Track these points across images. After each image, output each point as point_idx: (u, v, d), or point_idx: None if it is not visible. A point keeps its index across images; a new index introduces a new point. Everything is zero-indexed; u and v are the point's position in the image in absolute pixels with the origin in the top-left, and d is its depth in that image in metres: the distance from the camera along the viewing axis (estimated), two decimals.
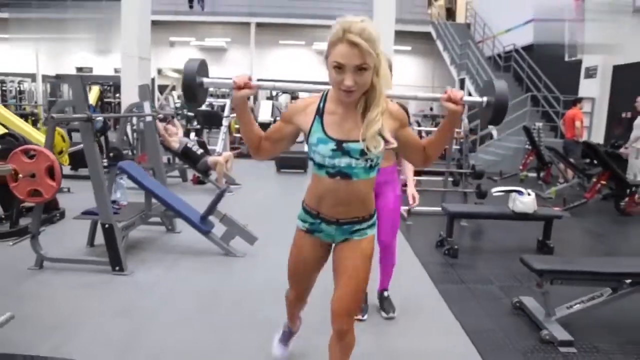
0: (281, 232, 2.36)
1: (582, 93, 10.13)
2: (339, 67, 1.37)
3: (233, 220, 3.69)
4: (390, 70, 2.51)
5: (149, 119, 4.17)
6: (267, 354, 2.20)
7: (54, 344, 2.27)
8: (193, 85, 1.52)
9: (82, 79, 3.20)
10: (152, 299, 2.94)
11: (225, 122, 9.04)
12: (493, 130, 11.45)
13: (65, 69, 19.31)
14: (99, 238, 3.83)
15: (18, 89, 17.49)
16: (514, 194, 3.94)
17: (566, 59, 10.86)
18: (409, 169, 2.96)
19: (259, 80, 1.58)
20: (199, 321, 2.63)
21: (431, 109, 17.92)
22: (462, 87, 14.22)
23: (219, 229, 3.80)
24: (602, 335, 2.61)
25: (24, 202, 4.27)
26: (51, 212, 4.58)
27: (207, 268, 3.52)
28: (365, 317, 2.73)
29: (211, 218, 3.77)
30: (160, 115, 5.55)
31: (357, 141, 1.46)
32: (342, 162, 1.49)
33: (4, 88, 16.83)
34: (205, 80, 1.56)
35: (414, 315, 2.83)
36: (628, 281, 2.67)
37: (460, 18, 18.89)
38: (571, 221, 5.48)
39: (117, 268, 3.23)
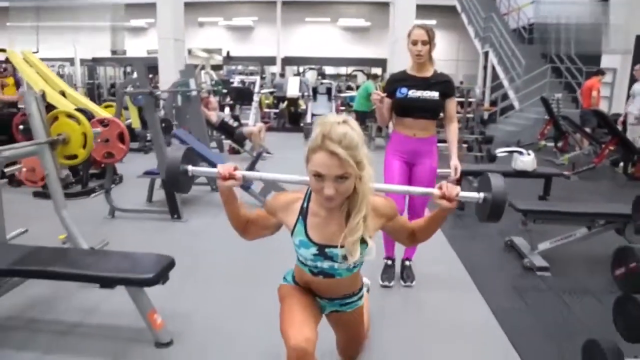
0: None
1: (604, 64, 10.28)
2: (319, 176, 1.31)
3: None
4: (431, 40, 2.60)
5: (194, 94, 4.82)
6: None
7: None
8: (176, 174, 1.52)
9: (144, 61, 3.83)
10: (205, 240, 3.62)
11: (255, 98, 9.68)
12: (514, 101, 11.74)
13: (100, 53, 20.30)
14: (155, 195, 4.55)
15: (59, 73, 18.51)
16: (515, 154, 4.44)
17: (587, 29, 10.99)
18: (452, 139, 2.84)
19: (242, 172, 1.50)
20: (237, 265, 3.25)
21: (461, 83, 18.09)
22: (486, 60, 14.42)
23: (256, 186, 4.46)
24: (574, 265, 3.16)
25: (91, 168, 5.04)
26: (115, 175, 5.33)
27: None
28: (392, 283, 2.85)
29: None
30: (203, 91, 6.19)
31: (340, 247, 1.42)
32: (325, 264, 1.47)
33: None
34: (189, 168, 1.56)
35: (420, 251, 3.41)
36: (601, 221, 3.19)
37: None
38: (579, 184, 5.92)
39: (175, 216, 3.93)
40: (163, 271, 2.03)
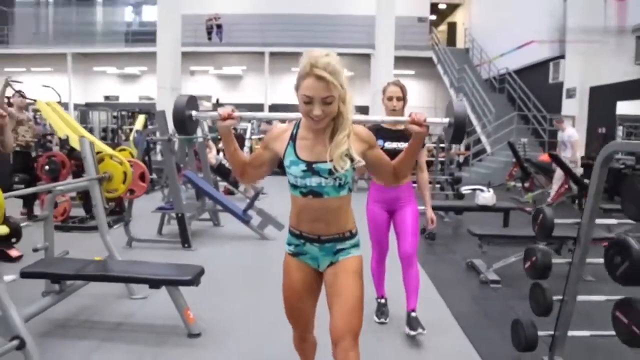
0: None
1: (564, 111, 11.34)
2: (308, 99, 1.47)
3: (266, 213, 4.98)
4: (405, 96, 2.84)
5: (200, 140, 5.52)
6: None
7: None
8: (183, 118, 1.70)
9: (164, 113, 4.52)
10: (214, 264, 4.20)
11: (247, 143, 10.42)
12: (487, 145, 12.70)
13: (93, 98, 21.10)
14: (164, 229, 5.18)
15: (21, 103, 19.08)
16: (478, 191, 5.18)
17: (550, 81, 12.14)
18: (424, 190, 3.00)
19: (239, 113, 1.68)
20: (244, 281, 3.87)
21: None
22: None
23: (255, 220, 5.10)
24: (519, 278, 3.80)
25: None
26: (122, 211, 5.93)
27: (248, 247, 4.81)
28: (387, 320, 2.98)
29: (250, 212, 5.07)
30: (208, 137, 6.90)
31: (325, 162, 1.55)
32: (313, 181, 1.58)
33: (37, 116, 18.50)
34: (194, 112, 1.73)
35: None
36: (543, 244, 3.89)
37: (459, 43, 20.28)
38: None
39: (186, 245, 4.54)
40: (196, 276, 2.66)
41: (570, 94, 11.35)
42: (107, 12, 21.33)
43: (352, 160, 1.54)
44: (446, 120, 1.66)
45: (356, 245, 1.70)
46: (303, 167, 1.57)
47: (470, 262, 4.20)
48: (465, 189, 5.44)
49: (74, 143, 5.31)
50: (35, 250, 3.14)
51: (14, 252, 4.09)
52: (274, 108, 20.04)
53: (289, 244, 1.73)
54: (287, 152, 1.61)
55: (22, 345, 2.21)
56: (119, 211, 5.86)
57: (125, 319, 2.97)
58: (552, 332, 2.45)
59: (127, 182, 3.44)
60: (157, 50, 11.66)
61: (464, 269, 4.22)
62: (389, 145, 2.81)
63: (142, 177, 4.27)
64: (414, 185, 2.99)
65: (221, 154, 9.91)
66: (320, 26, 18.20)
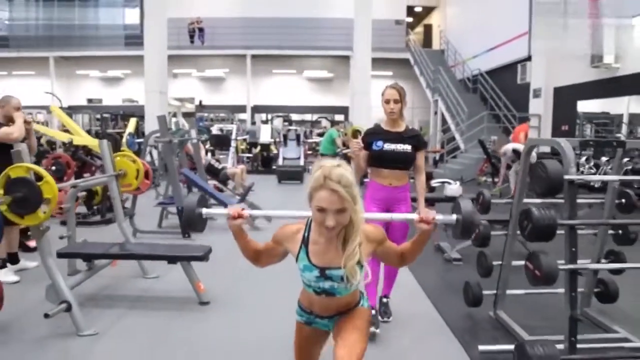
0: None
1: (531, 110, 12.12)
2: (321, 210, 1.51)
3: (256, 206, 5.53)
4: (402, 99, 2.87)
5: (194, 141, 6.05)
6: None
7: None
8: (194, 217, 1.76)
9: (165, 117, 5.02)
10: (214, 249, 4.75)
11: (233, 144, 10.93)
12: (460, 143, 13.43)
13: (76, 101, 21.27)
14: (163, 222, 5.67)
15: (35, 120, 19.28)
16: (446, 184, 5.79)
17: (518, 82, 12.91)
18: (420, 191, 3.10)
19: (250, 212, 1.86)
20: (240, 264, 4.40)
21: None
22: (436, 107, 16.22)
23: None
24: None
25: (105, 202, 6.11)
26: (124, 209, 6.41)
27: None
28: (378, 330, 2.93)
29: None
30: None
31: (338, 268, 1.60)
32: (326, 284, 1.65)
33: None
34: (204, 211, 1.78)
35: None
36: (498, 226, 4.52)
37: (435, 45, 21.03)
38: (504, 207, 7.36)
39: (186, 235, 5.05)
40: (206, 253, 3.21)
41: (537, 94, 12.12)
42: (89, 15, 21.49)
43: (362, 266, 1.61)
44: (454, 217, 1.71)
45: (363, 303, 1.79)
46: (316, 273, 1.64)
47: (437, 244, 4.81)
48: (434, 182, 6.05)
49: (81, 141, 5.78)
50: (62, 237, 3.66)
51: (31, 243, 4.56)
52: (255, 109, 20.54)
53: (300, 315, 1.81)
54: (300, 256, 1.67)
55: (69, 308, 2.73)
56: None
57: (143, 293, 3.50)
58: (494, 292, 3.07)
59: (140, 178, 3.96)
60: (144, 54, 12.07)
61: (432, 250, 4.83)
62: (388, 146, 2.88)
63: (146, 175, 4.79)
64: (411, 180, 3.06)
65: (209, 154, 10.42)
66: (300, 29, 18.76)
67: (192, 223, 1.77)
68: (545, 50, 11.41)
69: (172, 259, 3.19)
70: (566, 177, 2.16)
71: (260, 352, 2.70)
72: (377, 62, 16.32)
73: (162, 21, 12.15)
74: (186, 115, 19.30)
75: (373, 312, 2.92)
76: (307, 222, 1.69)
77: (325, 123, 19.40)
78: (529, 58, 12.35)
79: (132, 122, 9.13)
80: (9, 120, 3.65)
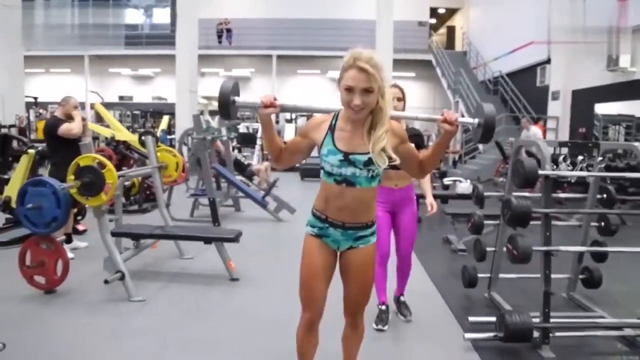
0: (304, 212, 4.45)
1: (550, 112, 12.32)
2: (349, 89, 1.54)
3: (281, 199, 6.02)
4: (404, 97, 2.90)
5: (224, 138, 6.58)
6: None
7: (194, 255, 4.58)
8: (227, 103, 1.75)
9: (199, 116, 5.52)
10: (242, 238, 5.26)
11: (258, 142, 11.45)
12: (479, 144, 13.68)
13: (108, 98, 22.17)
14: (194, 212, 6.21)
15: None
16: (457, 182, 6.18)
17: (537, 84, 13.10)
18: (426, 182, 3.14)
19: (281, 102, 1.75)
20: (266, 249, 4.89)
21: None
22: (456, 109, 16.47)
23: (270, 206, 6.13)
24: None
25: (142, 193, 6.67)
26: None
27: (265, 227, 5.84)
28: (386, 327, 2.99)
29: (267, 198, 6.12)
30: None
31: (362, 153, 1.62)
32: (348, 171, 1.65)
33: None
34: (237, 99, 1.78)
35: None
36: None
37: (458, 46, 21.22)
38: None
39: (216, 223, 5.56)
40: (237, 236, 3.69)
41: (555, 96, 12.31)
42: (119, 15, 22.34)
43: (389, 157, 1.64)
44: (476, 120, 1.72)
45: (374, 233, 1.82)
46: (340, 157, 1.65)
47: (445, 236, 5.21)
48: (447, 180, 6.44)
49: (123, 137, 6.35)
50: (111, 220, 4.19)
51: (80, 227, 5.14)
52: (281, 109, 21.08)
53: (313, 226, 1.82)
54: (325, 141, 1.69)
55: (123, 277, 3.25)
56: (153, 198, 6.92)
57: (180, 270, 4.02)
58: (489, 275, 3.48)
59: (179, 170, 4.48)
60: (175, 53, 12.65)
61: (441, 242, 5.23)
62: None
63: (182, 168, 5.32)
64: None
65: (235, 151, 10.97)
66: (324, 30, 19.20)
67: (225, 108, 1.77)
68: (563, 52, 11.63)
69: (208, 240, 3.68)
70: (541, 172, 2.56)
71: (280, 324, 3.12)
72: (400, 63, 16.61)
73: (194, 22, 12.70)
74: (212, 113, 19.96)
75: (383, 307, 3.06)
76: (335, 113, 1.74)
77: None
78: (548, 61, 12.52)
79: (165, 119, 9.76)
80: (69, 118, 4.20)
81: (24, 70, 13.16)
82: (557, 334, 2.73)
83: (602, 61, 9.93)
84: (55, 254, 3.26)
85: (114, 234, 3.61)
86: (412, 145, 1.76)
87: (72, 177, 3.10)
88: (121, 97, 22.91)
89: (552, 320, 2.66)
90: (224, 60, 21.08)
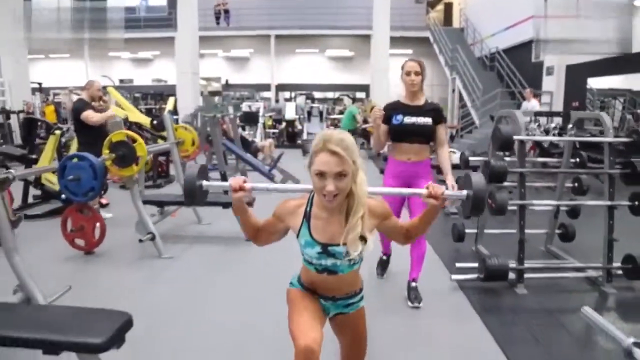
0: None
1: (544, 87, 12.67)
2: (321, 174, 1.46)
3: (286, 171, 6.46)
4: (423, 72, 2.86)
5: (231, 116, 6.97)
6: None
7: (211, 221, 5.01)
8: (194, 188, 1.68)
9: (211, 97, 5.90)
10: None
11: (261, 120, 11.83)
12: (475, 119, 14.07)
13: (108, 81, 22.41)
14: None
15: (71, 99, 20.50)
16: (450, 153, 6.59)
17: (532, 60, 13.41)
18: (445, 160, 3.01)
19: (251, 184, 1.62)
20: None
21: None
22: (453, 85, 16.77)
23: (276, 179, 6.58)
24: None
25: (155, 170, 7.10)
26: (168, 176, 7.41)
27: (273, 198, 6.26)
28: (385, 275, 3.33)
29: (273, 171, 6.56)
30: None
31: (343, 244, 1.53)
32: (328, 262, 1.58)
33: (57, 99, 19.91)
34: (204, 183, 1.72)
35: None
36: None
37: (455, 23, 21.36)
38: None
39: (227, 193, 5.99)
40: (252, 201, 4.12)
41: (550, 71, 12.64)
42: None
43: (365, 241, 1.53)
44: (464, 192, 1.64)
45: (362, 297, 1.75)
46: (318, 249, 1.57)
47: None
48: None
49: (136, 118, 6.76)
50: None
51: (103, 200, 5.58)
52: (279, 87, 21.37)
53: (301, 285, 1.71)
54: (302, 231, 1.60)
55: (153, 238, 3.70)
56: (165, 175, 7.37)
57: (200, 234, 4.49)
58: (475, 230, 3.93)
59: (195, 145, 4.89)
60: (176, 36, 12.96)
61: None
62: (408, 119, 2.87)
63: (194, 143, 5.74)
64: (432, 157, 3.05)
65: (240, 129, 11.37)
66: (322, 9, 19.36)
67: (192, 195, 1.70)
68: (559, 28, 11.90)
69: (226, 205, 4.12)
70: (516, 137, 2.99)
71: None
72: (397, 41, 16.87)
73: (193, 5, 12.97)
74: (212, 94, 20.26)
75: (385, 257, 3.35)
76: (310, 197, 1.63)
77: (346, 101, 20.15)
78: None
79: (171, 100, 10.10)
80: (93, 100, 4.60)
81: (27, 56, 13.46)
82: (531, 275, 3.20)
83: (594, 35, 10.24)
84: (92, 219, 3.71)
85: (144, 202, 4.05)
86: (395, 218, 1.68)
87: (107, 151, 3.52)
88: (122, 80, 23.15)
89: (526, 264, 3.11)
90: (222, 41, 21.24)
